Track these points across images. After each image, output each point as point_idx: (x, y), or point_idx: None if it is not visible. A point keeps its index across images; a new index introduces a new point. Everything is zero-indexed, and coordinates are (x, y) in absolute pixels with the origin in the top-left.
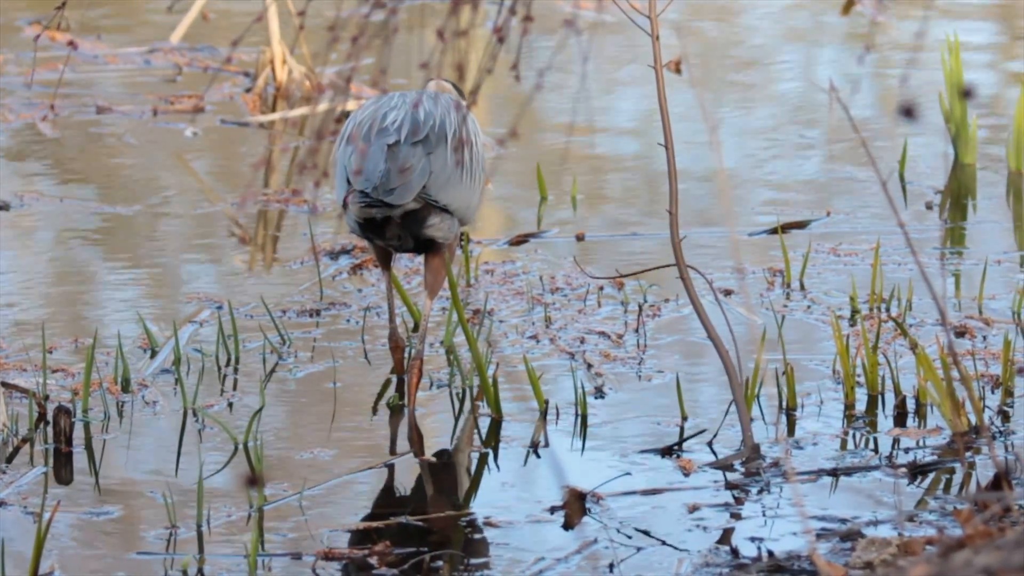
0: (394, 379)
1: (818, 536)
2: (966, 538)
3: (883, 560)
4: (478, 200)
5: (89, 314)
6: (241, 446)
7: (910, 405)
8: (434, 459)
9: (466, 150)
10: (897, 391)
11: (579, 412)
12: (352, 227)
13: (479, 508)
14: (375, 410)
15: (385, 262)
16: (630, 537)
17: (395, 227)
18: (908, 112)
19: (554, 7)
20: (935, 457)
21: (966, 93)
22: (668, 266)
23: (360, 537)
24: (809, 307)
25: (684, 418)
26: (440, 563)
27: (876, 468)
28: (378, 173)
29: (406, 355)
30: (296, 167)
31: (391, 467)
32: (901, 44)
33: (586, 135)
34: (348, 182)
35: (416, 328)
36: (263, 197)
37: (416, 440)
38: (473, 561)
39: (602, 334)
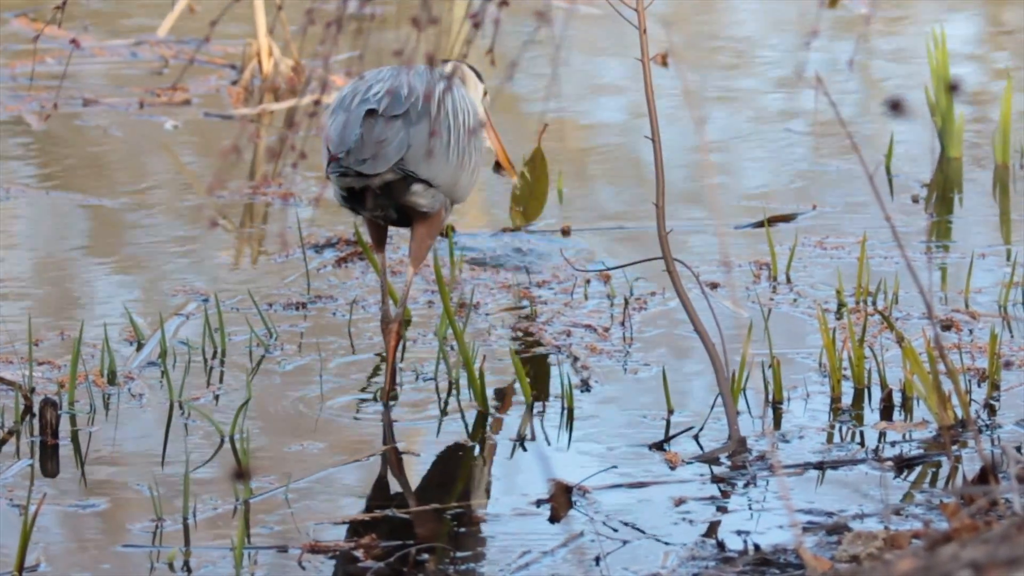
0: (381, 372)
1: (804, 529)
2: (952, 532)
3: (869, 554)
4: (469, 179)
5: (75, 307)
6: (227, 439)
7: (896, 398)
8: (409, 453)
9: (452, 129)
10: (883, 384)
11: (565, 405)
12: (338, 198)
13: (465, 501)
14: (361, 403)
15: (379, 242)
16: (616, 530)
17: (376, 197)
18: (896, 107)
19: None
20: (921, 451)
21: (952, 87)
22: (654, 259)
23: (346, 530)
24: (795, 300)
25: (670, 411)
26: (426, 556)
27: (862, 461)
28: (351, 140)
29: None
30: (266, 153)
31: (378, 460)
32: (887, 32)
33: (573, 128)
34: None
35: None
36: (248, 190)
37: (388, 421)
38: (459, 554)
39: (588, 327)
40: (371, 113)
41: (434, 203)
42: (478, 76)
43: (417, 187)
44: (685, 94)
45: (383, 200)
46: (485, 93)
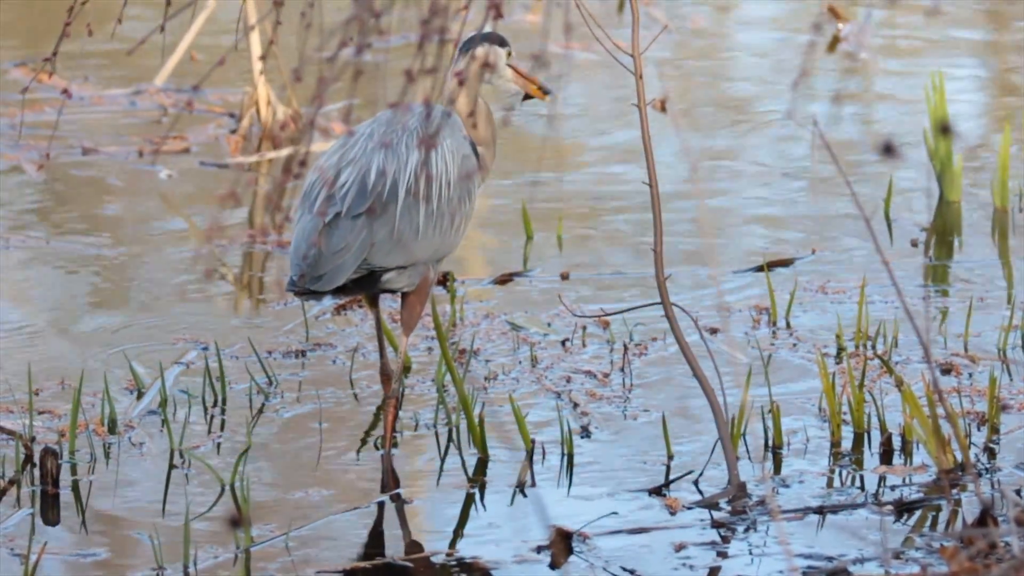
0: (381, 419)
1: (804, 574)
2: (952, 575)
3: None
4: (455, 237)
5: (75, 355)
6: (228, 487)
7: (896, 442)
8: (410, 500)
9: (432, 192)
10: (883, 428)
11: (565, 451)
12: None
13: (466, 548)
14: (361, 450)
15: (372, 302)
16: None
17: (348, 292)
18: (889, 150)
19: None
20: (921, 494)
21: (945, 129)
22: (653, 304)
23: None
24: (795, 345)
25: (670, 457)
26: None
27: (862, 505)
28: (306, 262)
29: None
30: (264, 201)
31: (378, 507)
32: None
33: (573, 173)
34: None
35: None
36: (247, 238)
37: (391, 477)
38: None
39: (588, 373)
40: (331, 223)
41: (414, 279)
42: (501, 42)
43: (388, 275)
44: (680, 136)
45: (356, 291)
46: (509, 54)
